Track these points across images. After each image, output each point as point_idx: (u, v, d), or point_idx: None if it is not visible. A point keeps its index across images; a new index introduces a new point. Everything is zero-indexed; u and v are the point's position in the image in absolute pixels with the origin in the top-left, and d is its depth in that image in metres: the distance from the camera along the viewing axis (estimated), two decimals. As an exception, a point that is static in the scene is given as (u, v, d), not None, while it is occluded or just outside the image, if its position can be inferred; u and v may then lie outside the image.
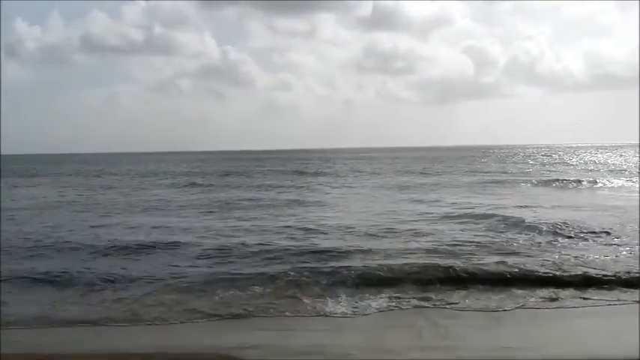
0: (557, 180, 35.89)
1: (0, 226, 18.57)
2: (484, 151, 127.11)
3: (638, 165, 55.08)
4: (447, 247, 13.61)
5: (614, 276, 10.59)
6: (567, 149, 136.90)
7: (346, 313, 8.98)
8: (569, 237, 15.00)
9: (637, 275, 10.59)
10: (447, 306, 9.31)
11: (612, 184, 33.29)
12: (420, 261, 11.93)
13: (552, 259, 12.06)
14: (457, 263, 11.61)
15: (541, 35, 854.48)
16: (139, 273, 11.73)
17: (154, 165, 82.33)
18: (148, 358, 7.27)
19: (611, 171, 47.47)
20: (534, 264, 11.55)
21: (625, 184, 33.65)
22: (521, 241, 14.48)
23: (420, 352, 7.21)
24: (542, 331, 8.01)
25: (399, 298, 9.66)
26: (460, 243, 14.21)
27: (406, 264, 11.53)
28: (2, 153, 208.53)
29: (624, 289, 9.98)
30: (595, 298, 9.60)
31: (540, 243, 14.32)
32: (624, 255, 12.58)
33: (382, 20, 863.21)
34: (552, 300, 9.51)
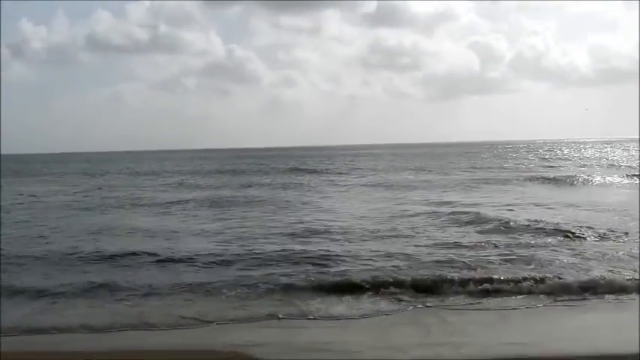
0: (553, 178, 35.62)
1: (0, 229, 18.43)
2: (488, 147, 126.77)
3: (637, 160, 54.75)
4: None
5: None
6: (573, 144, 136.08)
7: (353, 315, 9.06)
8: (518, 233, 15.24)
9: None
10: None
11: (607, 181, 33.38)
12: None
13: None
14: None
15: (546, 31, 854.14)
16: (141, 280, 11.52)
17: (156, 163, 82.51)
18: (158, 356, 7.41)
19: (610, 166, 47.44)
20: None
21: (620, 180, 33.79)
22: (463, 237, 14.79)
23: (426, 349, 7.36)
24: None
25: (400, 300, 9.77)
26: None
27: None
28: (9, 153, 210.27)
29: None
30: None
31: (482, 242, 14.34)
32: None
33: (387, 16, 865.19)
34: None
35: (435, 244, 14.12)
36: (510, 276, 10.59)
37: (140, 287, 10.79)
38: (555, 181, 34.01)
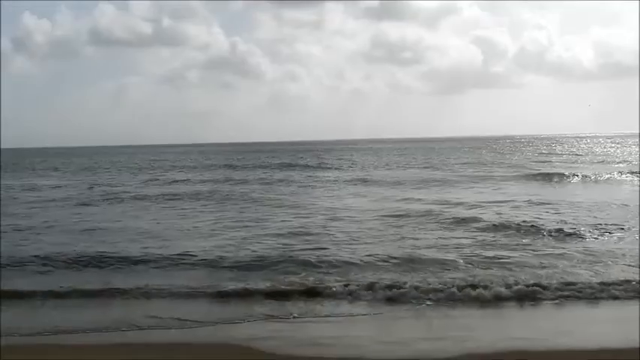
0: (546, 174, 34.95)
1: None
2: (489, 142, 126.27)
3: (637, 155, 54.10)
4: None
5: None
6: (575, 139, 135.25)
7: (360, 312, 9.06)
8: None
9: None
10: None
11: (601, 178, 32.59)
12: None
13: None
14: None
15: (550, 24, 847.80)
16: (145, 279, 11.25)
17: (153, 158, 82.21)
18: (168, 350, 7.51)
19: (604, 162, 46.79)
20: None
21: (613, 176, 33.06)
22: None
23: (430, 343, 7.51)
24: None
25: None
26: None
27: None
28: (11, 147, 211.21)
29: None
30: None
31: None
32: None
33: (390, 10, 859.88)
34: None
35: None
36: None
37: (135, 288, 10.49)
38: (543, 177, 33.32)
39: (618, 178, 32.77)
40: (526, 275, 10.42)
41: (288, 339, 7.80)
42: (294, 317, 8.77)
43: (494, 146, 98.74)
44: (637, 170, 35.46)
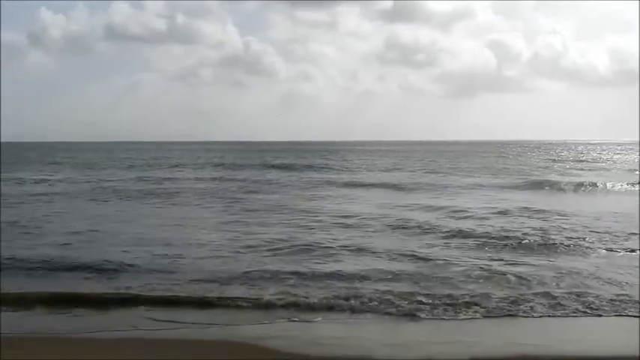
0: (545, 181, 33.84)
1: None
2: (499, 147, 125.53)
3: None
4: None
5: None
6: (585, 145, 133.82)
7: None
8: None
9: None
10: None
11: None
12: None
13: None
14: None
15: (565, 30, 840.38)
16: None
17: (161, 155, 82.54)
18: (171, 347, 7.61)
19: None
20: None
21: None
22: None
23: (438, 346, 7.57)
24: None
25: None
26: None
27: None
28: (23, 140, 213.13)
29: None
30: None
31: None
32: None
33: (404, 12, 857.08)
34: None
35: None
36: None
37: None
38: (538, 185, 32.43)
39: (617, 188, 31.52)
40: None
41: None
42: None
43: (502, 150, 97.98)
44: (636, 180, 34.32)
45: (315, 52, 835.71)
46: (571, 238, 14.63)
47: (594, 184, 31.65)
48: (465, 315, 8.73)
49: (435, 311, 8.87)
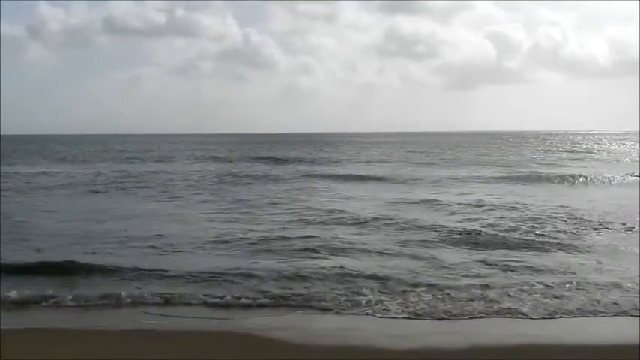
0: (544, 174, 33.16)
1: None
2: (499, 138, 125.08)
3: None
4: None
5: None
6: (584, 136, 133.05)
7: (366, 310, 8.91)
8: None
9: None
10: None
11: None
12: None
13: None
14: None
15: (565, 21, 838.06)
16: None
17: (155, 147, 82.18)
18: (173, 337, 7.69)
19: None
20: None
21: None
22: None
23: (438, 336, 7.70)
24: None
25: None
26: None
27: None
28: (24, 133, 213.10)
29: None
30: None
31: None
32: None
33: (403, 4, 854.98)
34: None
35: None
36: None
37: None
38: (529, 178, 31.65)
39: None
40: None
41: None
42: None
43: (500, 141, 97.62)
44: (633, 172, 33.52)
45: (315, 45, 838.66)
46: (543, 234, 14.41)
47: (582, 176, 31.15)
48: (463, 310, 8.74)
49: (434, 306, 8.93)
